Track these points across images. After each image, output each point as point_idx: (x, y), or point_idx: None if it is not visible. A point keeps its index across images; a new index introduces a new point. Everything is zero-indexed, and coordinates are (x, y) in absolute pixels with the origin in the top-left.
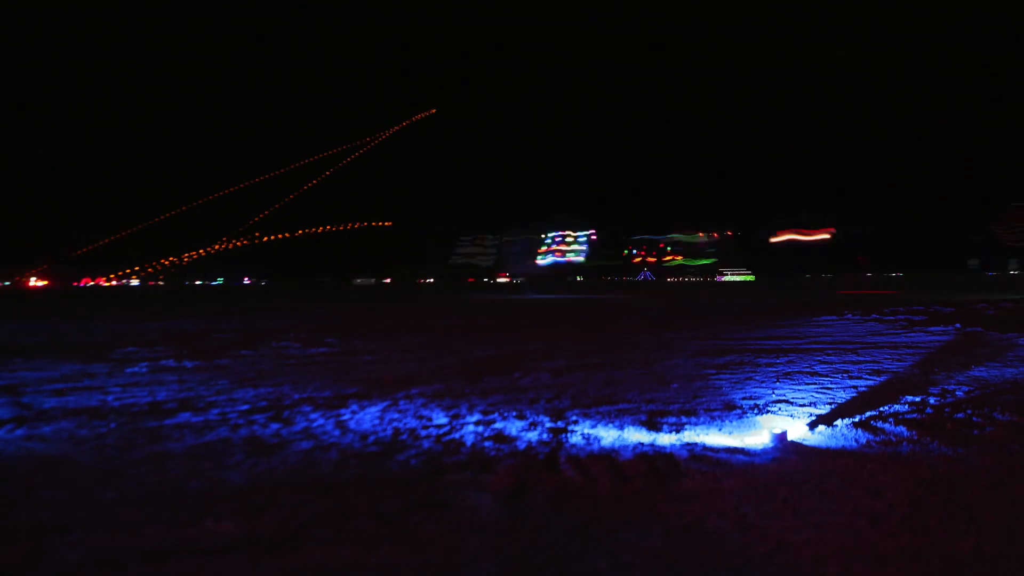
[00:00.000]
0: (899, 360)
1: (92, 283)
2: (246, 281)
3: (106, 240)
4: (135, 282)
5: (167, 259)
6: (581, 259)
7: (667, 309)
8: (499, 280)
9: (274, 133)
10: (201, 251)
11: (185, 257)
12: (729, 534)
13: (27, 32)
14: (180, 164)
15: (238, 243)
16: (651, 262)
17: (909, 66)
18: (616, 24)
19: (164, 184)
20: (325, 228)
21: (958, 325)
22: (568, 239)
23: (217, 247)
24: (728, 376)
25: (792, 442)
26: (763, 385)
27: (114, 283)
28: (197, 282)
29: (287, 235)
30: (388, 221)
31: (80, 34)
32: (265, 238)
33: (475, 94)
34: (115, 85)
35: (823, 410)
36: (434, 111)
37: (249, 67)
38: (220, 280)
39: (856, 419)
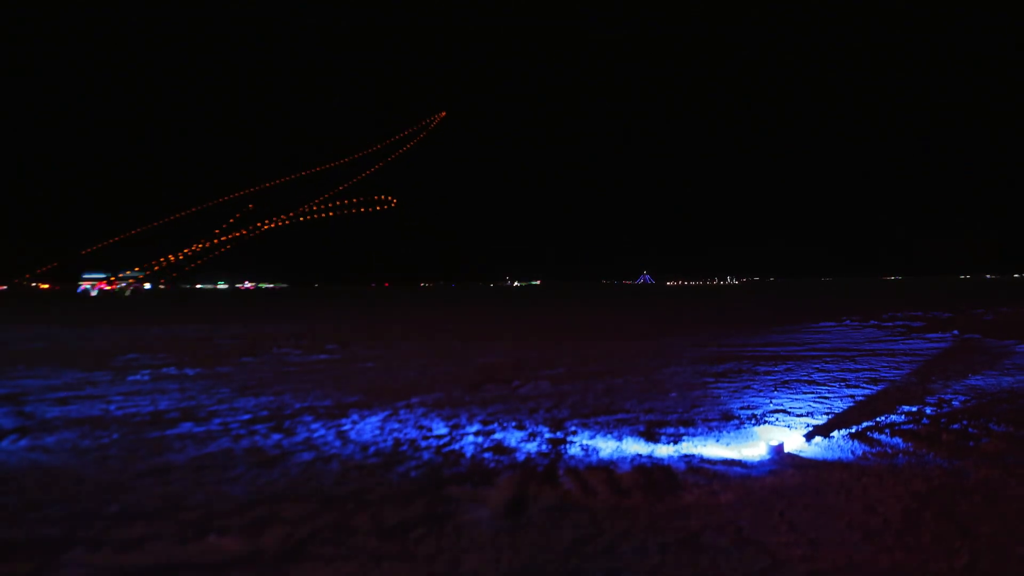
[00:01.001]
0: (897, 368)
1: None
2: (247, 285)
3: (106, 243)
4: (147, 286)
5: (167, 260)
6: None
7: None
8: None
9: (277, 134)
10: (201, 248)
11: (184, 255)
12: (725, 549)
13: (31, 32)
14: (182, 166)
15: (240, 236)
16: None
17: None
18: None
19: (165, 186)
20: (326, 208)
21: (956, 332)
22: None
23: (221, 248)
24: (726, 385)
25: (788, 454)
26: (761, 394)
27: (114, 287)
28: (198, 286)
29: (286, 221)
30: (393, 198)
31: (83, 34)
32: (263, 226)
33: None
34: (116, 85)
35: (820, 420)
36: (444, 114)
37: (253, 69)
38: (222, 283)
39: (853, 430)
